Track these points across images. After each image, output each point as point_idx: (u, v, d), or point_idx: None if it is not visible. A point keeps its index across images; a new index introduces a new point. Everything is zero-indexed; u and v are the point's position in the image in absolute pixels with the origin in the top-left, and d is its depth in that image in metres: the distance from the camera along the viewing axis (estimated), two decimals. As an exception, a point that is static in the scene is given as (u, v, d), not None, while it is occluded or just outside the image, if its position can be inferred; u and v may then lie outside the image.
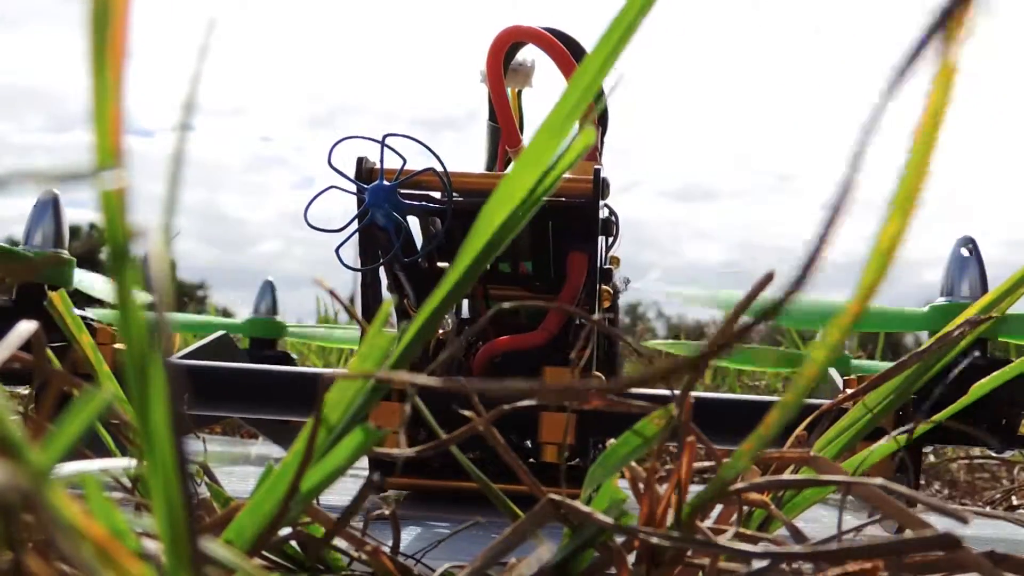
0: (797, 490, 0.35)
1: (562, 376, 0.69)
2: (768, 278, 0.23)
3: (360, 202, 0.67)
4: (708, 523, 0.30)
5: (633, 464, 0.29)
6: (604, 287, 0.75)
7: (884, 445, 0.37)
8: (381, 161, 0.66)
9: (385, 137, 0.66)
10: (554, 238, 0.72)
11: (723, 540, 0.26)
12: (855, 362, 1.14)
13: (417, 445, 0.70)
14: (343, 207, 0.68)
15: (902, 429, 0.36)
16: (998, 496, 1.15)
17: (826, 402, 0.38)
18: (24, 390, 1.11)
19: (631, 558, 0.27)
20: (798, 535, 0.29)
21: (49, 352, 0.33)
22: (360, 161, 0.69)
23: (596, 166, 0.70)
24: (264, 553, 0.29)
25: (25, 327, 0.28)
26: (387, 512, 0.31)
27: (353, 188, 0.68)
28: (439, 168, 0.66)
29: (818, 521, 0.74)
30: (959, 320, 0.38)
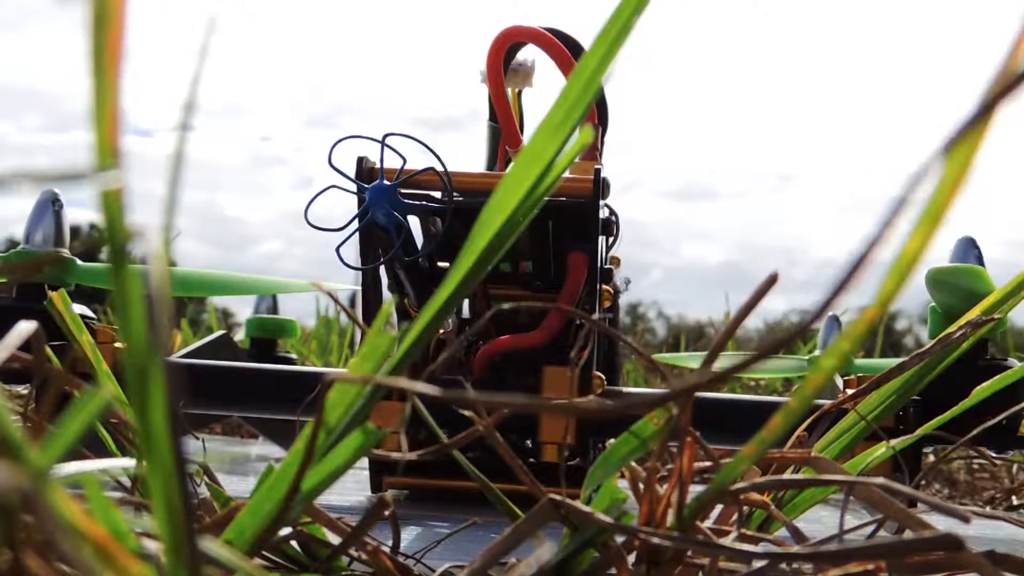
0: (797, 490, 0.35)
1: (562, 376, 0.69)
2: (772, 281, 0.23)
3: (360, 202, 0.67)
4: (708, 523, 0.30)
5: (633, 464, 0.29)
6: (604, 287, 0.75)
7: (884, 445, 0.37)
8: (381, 161, 0.66)
9: (385, 137, 0.66)
10: (554, 238, 0.73)
11: (723, 540, 0.26)
12: (858, 362, 1.14)
13: (417, 445, 0.70)
14: (344, 207, 0.68)
15: (903, 440, 0.36)
16: (998, 496, 1.15)
17: (827, 402, 0.38)
18: (24, 390, 1.11)
19: (631, 558, 0.27)
20: (798, 535, 0.29)
21: (49, 351, 0.33)
22: (360, 161, 0.69)
23: (596, 166, 0.70)
24: (265, 553, 0.29)
25: (25, 327, 0.28)
26: (387, 512, 0.31)
27: (353, 188, 0.68)
28: (439, 168, 0.66)
29: (819, 521, 0.74)
30: (961, 321, 0.38)
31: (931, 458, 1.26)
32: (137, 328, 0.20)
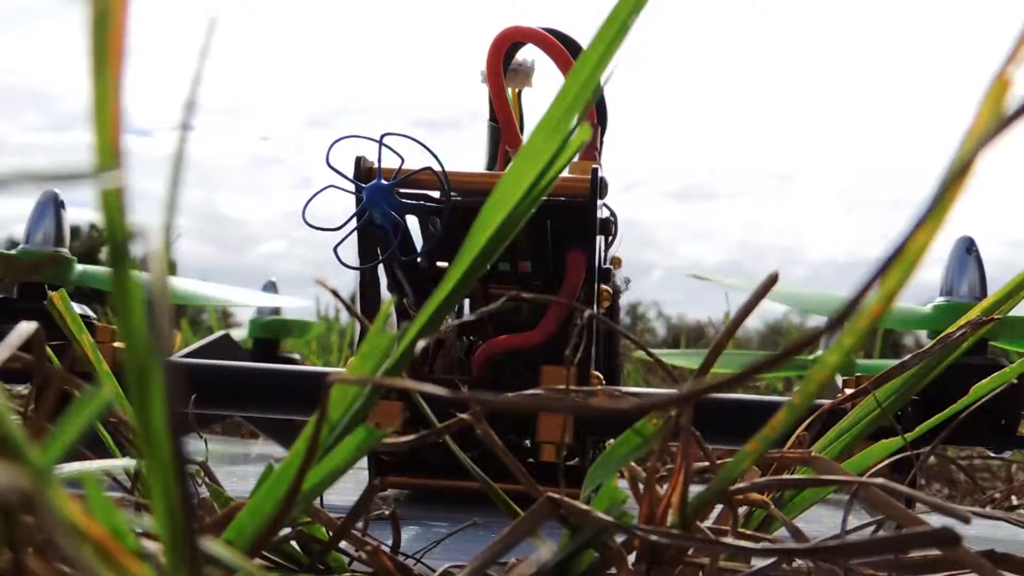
0: (797, 490, 0.35)
1: (559, 375, 0.69)
2: (772, 280, 0.23)
3: (358, 201, 0.67)
4: (708, 523, 0.30)
5: (633, 464, 0.29)
6: (604, 287, 0.75)
7: (883, 445, 0.37)
8: (379, 160, 0.66)
9: (383, 136, 0.66)
10: (553, 237, 0.73)
11: (723, 539, 0.26)
12: (860, 362, 1.14)
13: (416, 444, 0.70)
14: (342, 206, 0.68)
15: (901, 453, 0.36)
16: (998, 496, 1.15)
17: (827, 402, 0.38)
18: (24, 389, 1.11)
19: (631, 558, 0.27)
20: (798, 535, 0.29)
21: (49, 351, 0.33)
22: (358, 160, 0.69)
23: (594, 166, 0.70)
24: (264, 553, 0.29)
25: (25, 327, 0.28)
26: (387, 512, 0.31)
27: (351, 187, 0.68)
28: (437, 167, 0.66)
29: (819, 521, 0.74)
30: (961, 321, 0.38)
31: (931, 459, 1.26)
32: (137, 328, 0.20)
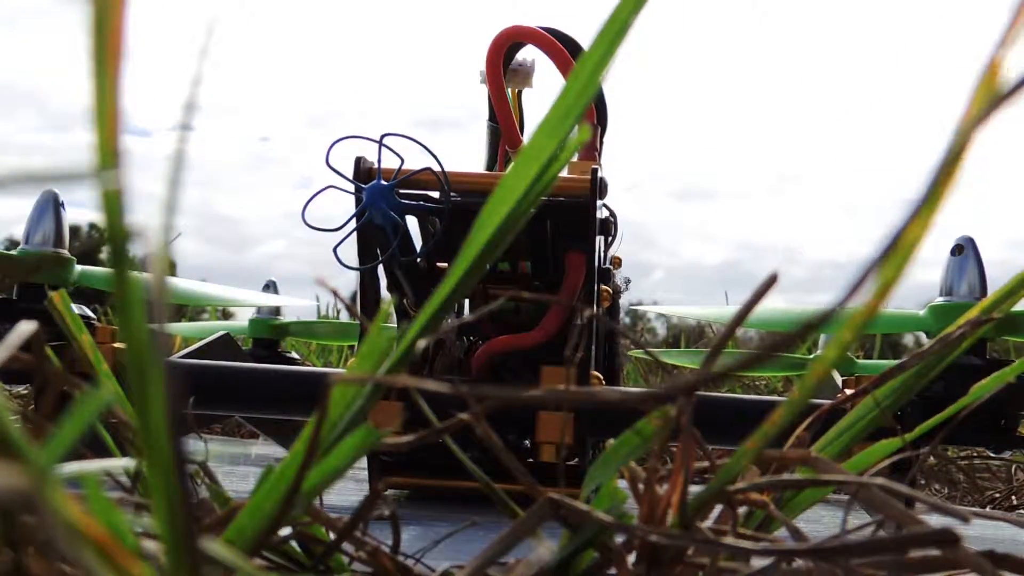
0: (797, 490, 0.35)
1: (559, 375, 0.69)
2: (771, 281, 0.23)
3: (358, 202, 0.67)
4: (708, 523, 0.30)
5: (633, 464, 0.29)
6: (604, 287, 0.75)
7: (883, 445, 0.37)
8: (379, 160, 0.67)
9: (383, 137, 0.66)
10: (553, 237, 0.73)
11: (723, 539, 0.26)
12: (860, 362, 1.14)
13: (416, 444, 0.70)
14: (343, 207, 0.68)
15: (901, 455, 0.36)
16: (998, 496, 1.15)
17: (826, 402, 0.38)
18: (24, 389, 1.11)
19: (631, 558, 0.27)
20: (798, 535, 0.29)
21: (49, 351, 0.33)
22: (358, 161, 0.69)
23: (594, 166, 0.70)
24: (265, 553, 0.29)
25: (25, 327, 0.28)
26: (387, 512, 0.31)
27: (351, 188, 0.68)
28: (437, 168, 0.66)
29: (818, 521, 0.74)
30: (961, 321, 0.37)
31: (931, 459, 1.26)
32: (137, 328, 0.20)
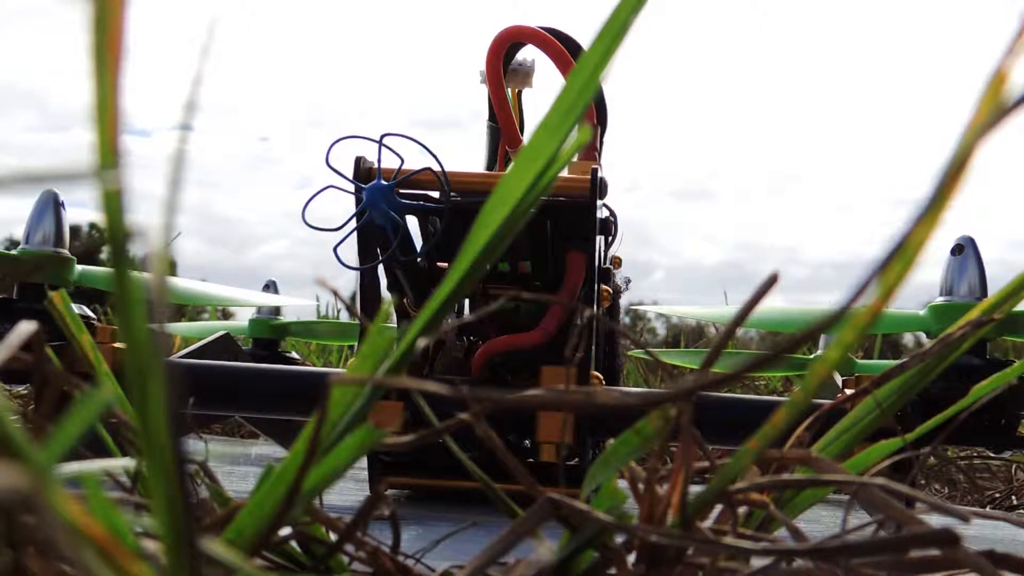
0: (797, 490, 0.35)
1: (559, 376, 0.69)
2: (772, 281, 0.23)
3: (358, 201, 0.67)
4: (708, 524, 0.30)
5: (633, 465, 0.29)
6: (604, 287, 0.75)
7: (883, 445, 0.37)
8: (379, 160, 0.67)
9: (383, 137, 0.66)
10: (553, 237, 0.73)
11: (723, 539, 0.26)
12: (860, 362, 1.14)
13: (416, 445, 0.70)
14: (342, 207, 0.68)
15: (902, 454, 0.36)
16: (998, 496, 1.15)
17: (827, 402, 0.38)
18: (24, 390, 1.11)
19: (631, 559, 0.27)
20: (798, 535, 0.29)
21: (49, 351, 0.33)
22: (358, 161, 0.69)
23: (594, 166, 0.70)
24: (265, 554, 0.29)
25: (25, 327, 0.28)
26: (387, 512, 0.31)
27: (351, 188, 0.68)
28: (437, 168, 0.66)
29: (818, 521, 0.74)
30: (961, 321, 0.37)
31: (931, 459, 1.26)
32: (137, 328, 0.20)
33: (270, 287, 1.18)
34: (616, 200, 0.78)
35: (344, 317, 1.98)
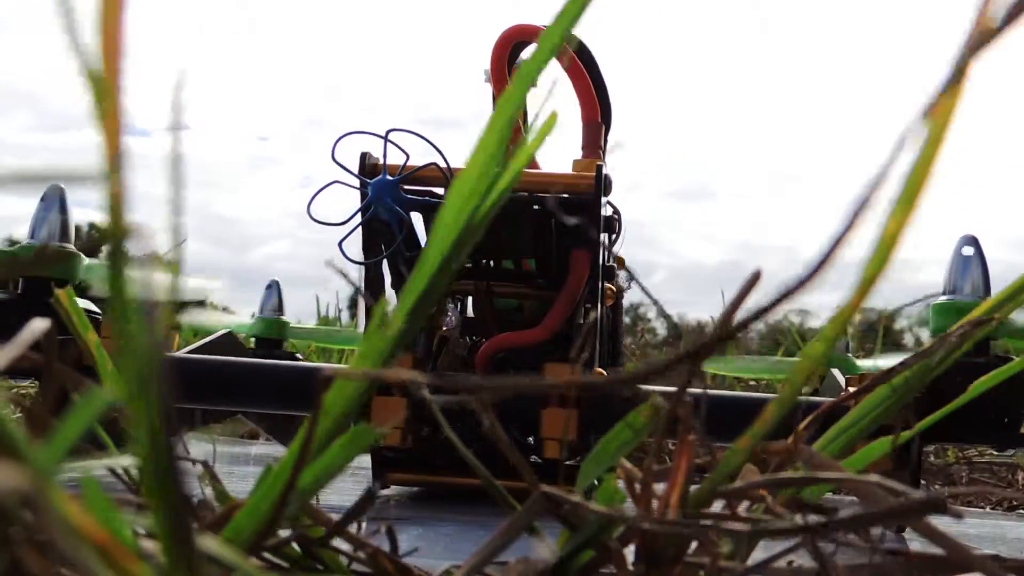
0: (797, 490, 0.35)
1: (563, 373, 0.69)
2: (755, 278, 0.23)
3: (363, 197, 0.67)
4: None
5: (628, 464, 0.29)
6: (608, 285, 0.75)
7: (883, 442, 0.37)
8: (384, 156, 0.67)
9: (388, 132, 0.66)
10: (557, 235, 0.73)
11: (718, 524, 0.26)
12: (860, 362, 1.14)
13: (419, 440, 0.70)
14: (347, 204, 0.68)
15: (908, 432, 0.36)
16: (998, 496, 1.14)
17: (828, 400, 0.38)
18: (30, 384, 1.11)
19: (630, 558, 0.27)
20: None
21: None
22: (363, 156, 0.69)
23: (599, 163, 0.70)
24: (264, 553, 0.29)
25: (36, 325, 0.28)
26: (386, 513, 0.31)
27: (356, 183, 0.68)
28: (442, 163, 0.66)
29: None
30: (963, 320, 0.37)
31: (931, 458, 1.26)
32: (136, 327, 0.20)
33: (272, 287, 1.18)
34: (616, 200, 0.78)
35: (344, 318, 1.98)
